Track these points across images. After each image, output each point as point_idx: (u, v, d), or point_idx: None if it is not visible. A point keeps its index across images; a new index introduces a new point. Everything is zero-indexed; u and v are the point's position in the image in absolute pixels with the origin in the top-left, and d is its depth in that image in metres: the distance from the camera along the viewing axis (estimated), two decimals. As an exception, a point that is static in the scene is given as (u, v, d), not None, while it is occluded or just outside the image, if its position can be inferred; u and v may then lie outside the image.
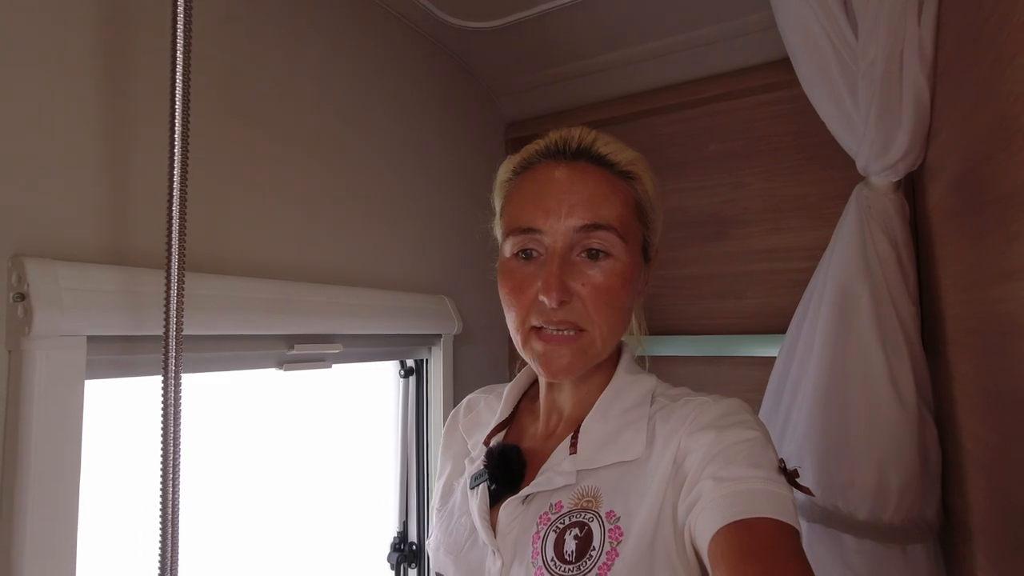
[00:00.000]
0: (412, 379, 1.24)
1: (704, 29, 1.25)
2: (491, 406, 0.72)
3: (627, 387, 0.61)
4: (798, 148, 1.27)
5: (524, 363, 0.65)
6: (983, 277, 0.63)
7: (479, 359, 1.40)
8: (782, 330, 1.08)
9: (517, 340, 0.60)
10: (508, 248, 0.60)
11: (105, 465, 0.73)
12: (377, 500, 1.21)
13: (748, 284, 1.32)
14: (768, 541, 0.45)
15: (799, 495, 0.52)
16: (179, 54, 0.53)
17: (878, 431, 0.86)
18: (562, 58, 1.40)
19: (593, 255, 0.56)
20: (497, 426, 0.68)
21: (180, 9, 0.53)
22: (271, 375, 0.93)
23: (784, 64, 1.03)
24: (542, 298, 0.55)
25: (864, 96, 0.89)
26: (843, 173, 1.00)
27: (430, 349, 1.25)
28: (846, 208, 0.97)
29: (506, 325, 0.61)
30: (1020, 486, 0.56)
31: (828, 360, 0.93)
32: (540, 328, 0.57)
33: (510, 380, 0.73)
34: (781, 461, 0.51)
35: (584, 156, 0.59)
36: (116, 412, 0.75)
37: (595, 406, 0.60)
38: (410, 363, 1.24)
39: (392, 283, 1.14)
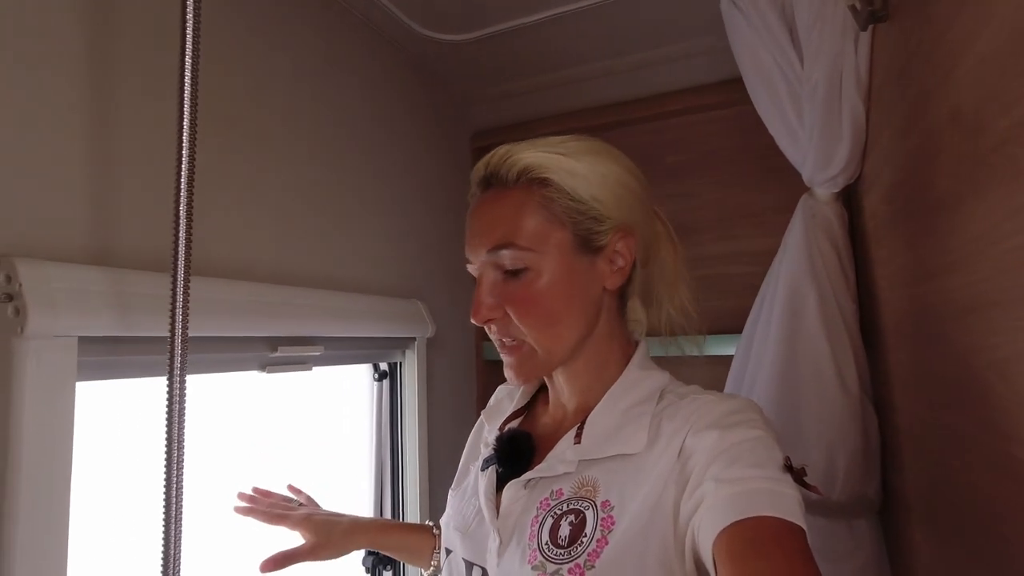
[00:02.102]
0: (385, 382, 1.26)
1: (665, 48, 1.34)
2: (513, 396, 0.76)
3: (637, 383, 0.63)
4: (748, 161, 1.37)
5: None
6: (916, 274, 0.72)
7: (450, 361, 1.43)
8: (737, 330, 1.16)
9: None
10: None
11: (99, 466, 0.71)
12: (351, 505, 1.21)
13: (703, 288, 1.41)
14: (771, 540, 0.44)
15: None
16: (188, 59, 0.54)
17: (826, 418, 0.95)
18: (530, 71, 1.46)
19: (512, 273, 0.60)
20: (513, 413, 0.72)
21: (189, 16, 0.54)
22: (245, 379, 0.93)
23: (737, 83, 1.12)
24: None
25: (808, 115, 0.99)
26: (789, 184, 1.10)
27: (404, 352, 1.27)
28: (793, 217, 1.07)
29: (473, 328, 0.65)
30: (951, 451, 0.65)
31: (781, 355, 1.01)
32: (497, 340, 0.63)
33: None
34: (787, 459, 0.51)
35: (490, 181, 0.62)
36: (103, 414, 0.74)
37: (603, 400, 0.62)
38: (384, 366, 1.25)
39: (366, 287, 1.15)
